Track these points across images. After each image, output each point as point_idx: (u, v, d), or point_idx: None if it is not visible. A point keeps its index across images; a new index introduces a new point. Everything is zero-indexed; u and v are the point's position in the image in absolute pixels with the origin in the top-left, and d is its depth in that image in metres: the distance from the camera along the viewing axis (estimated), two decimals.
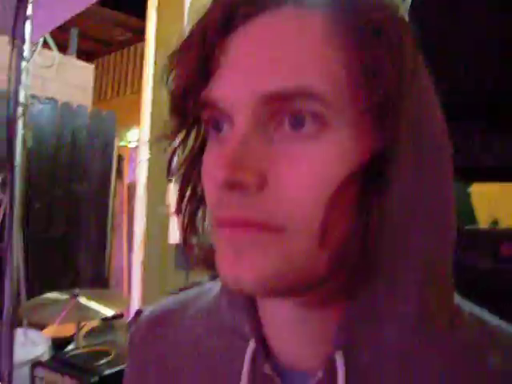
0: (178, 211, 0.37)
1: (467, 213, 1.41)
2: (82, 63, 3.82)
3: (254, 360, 0.36)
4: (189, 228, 0.37)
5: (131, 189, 3.48)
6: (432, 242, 0.32)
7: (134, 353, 0.48)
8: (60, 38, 3.09)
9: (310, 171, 0.29)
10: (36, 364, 1.11)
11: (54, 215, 3.04)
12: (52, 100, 2.98)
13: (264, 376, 0.35)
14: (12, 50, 1.53)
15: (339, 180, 0.29)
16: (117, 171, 3.43)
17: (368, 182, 0.30)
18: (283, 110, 0.29)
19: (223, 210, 0.30)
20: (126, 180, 3.52)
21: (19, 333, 1.77)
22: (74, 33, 4.26)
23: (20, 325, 1.85)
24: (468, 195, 1.41)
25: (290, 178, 0.29)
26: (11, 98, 1.50)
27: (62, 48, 3.95)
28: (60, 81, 3.46)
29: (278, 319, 0.36)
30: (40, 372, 1.08)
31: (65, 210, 3.09)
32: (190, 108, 0.33)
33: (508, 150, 0.94)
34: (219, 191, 0.29)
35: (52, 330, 2.12)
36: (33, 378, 1.08)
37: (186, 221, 0.37)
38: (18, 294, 1.73)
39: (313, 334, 0.35)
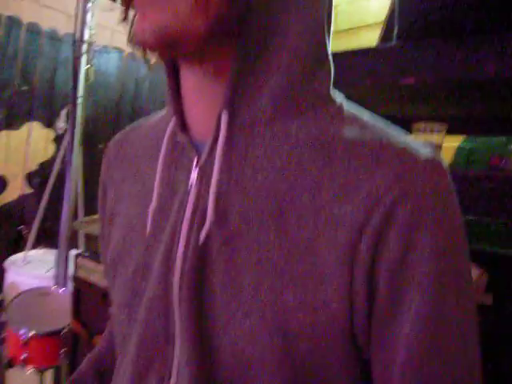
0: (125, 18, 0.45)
1: None
2: None
3: (173, 134, 0.46)
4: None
5: None
6: (304, 21, 0.40)
7: (104, 167, 0.57)
8: None
9: None
10: (78, 255, 1.32)
11: None
12: (119, 50, 3.15)
13: (179, 144, 0.45)
14: None
15: None
16: None
17: None
18: None
19: None
20: None
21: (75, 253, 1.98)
22: None
23: (77, 247, 2.06)
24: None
25: None
26: (77, 36, 1.65)
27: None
28: (127, 33, 3.64)
29: (188, 90, 0.45)
30: (80, 260, 1.28)
31: None
32: None
33: None
34: None
35: None
36: (76, 264, 1.29)
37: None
38: (76, 216, 1.92)
39: (211, 100, 0.43)
